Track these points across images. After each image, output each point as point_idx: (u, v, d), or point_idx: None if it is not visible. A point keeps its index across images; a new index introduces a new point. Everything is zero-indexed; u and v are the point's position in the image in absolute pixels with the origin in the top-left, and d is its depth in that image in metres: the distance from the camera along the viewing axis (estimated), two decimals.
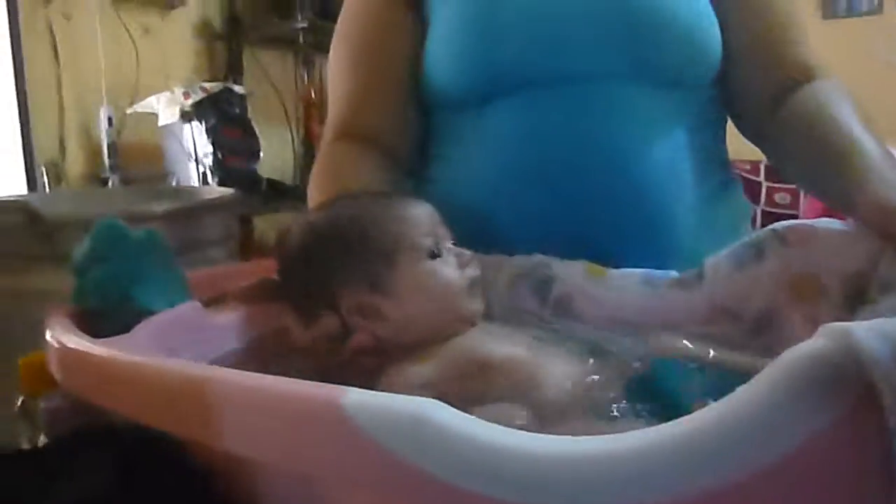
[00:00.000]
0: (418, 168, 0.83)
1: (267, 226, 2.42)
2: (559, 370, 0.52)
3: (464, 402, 0.49)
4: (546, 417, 0.47)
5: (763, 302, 0.62)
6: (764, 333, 0.62)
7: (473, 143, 0.75)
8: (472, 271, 0.58)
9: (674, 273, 0.67)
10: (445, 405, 0.34)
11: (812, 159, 0.70)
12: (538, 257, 0.70)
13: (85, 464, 0.48)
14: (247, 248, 2.27)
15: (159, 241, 0.62)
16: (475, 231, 0.64)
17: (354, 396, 0.35)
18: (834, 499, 0.28)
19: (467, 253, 0.59)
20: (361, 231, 0.56)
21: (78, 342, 0.48)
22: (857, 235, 0.59)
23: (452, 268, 0.57)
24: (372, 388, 0.52)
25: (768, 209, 2.68)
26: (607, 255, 0.69)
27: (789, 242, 0.62)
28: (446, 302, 0.55)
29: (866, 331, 0.27)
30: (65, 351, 0.49)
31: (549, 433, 0.32)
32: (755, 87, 0.78)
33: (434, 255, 0.56)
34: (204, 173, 1.94)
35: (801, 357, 0.27)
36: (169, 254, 0.63)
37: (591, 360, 0.55)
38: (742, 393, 0.28)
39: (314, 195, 0.75)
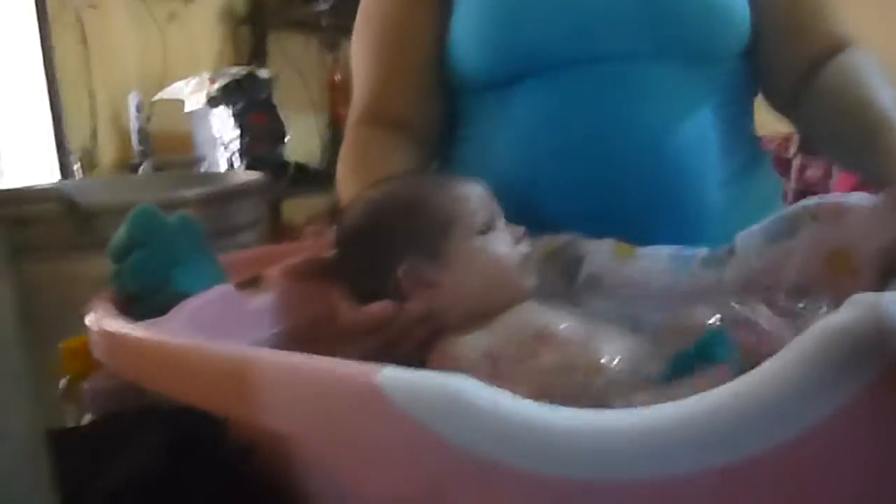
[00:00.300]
0: (444, 149, 0.84)
1: (295, 210, 2.44)
2: (612, 344, 0.53)
3: (518, 371, 0.50)
4: (598, 390, 0.47)
5: (796, 276, 0.62)
6: (797, 308, 0.62)
7: (500, 124, 0.75)
8: (525, 247, 0.60)
9: (703, 250, 0.66)
10: (478, 381, 0.34)
11: (843, 132, 0.69)
12: (566, 236, 0.70)
13: (131, 442, 0.50)
14: (275, 232, 2.29)
15: (194, 225, 0.63)
16: (504, 211, 0.64)
17: (389, 373, 0.35)
18: (864, 467, 0.29)
19: (521, 229, 0.60)
20: (419, 204, 0.59)
21: (120, 325, 0.50)
22: (888, 210, 0.59)
23: (505, 243, 0.58)
24: (420, 365, 0.54)
25: (799, 185, 2.64)
26: (637, 233, 0.69)
27: (821, 218, 0.61)
28: (499, 275, 0.57)
29: (894, 303, 0.27)
30: (107, 334, 0.51)
31: (602, 406, 0.33)
32: (786, 60, 0.77)
33: (488, 231, 0.58)
34: (231, 159, 1.96)
35: (829, 328, 0.28)
36: (203, 238, 0.64)
37: (639, 335, 0.56)
38: (771, 365, 0.29)
39: (344, 179, 0.76)
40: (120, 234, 0.60)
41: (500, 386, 0.48)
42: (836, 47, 0.75)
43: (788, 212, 0.64)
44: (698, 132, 0.71)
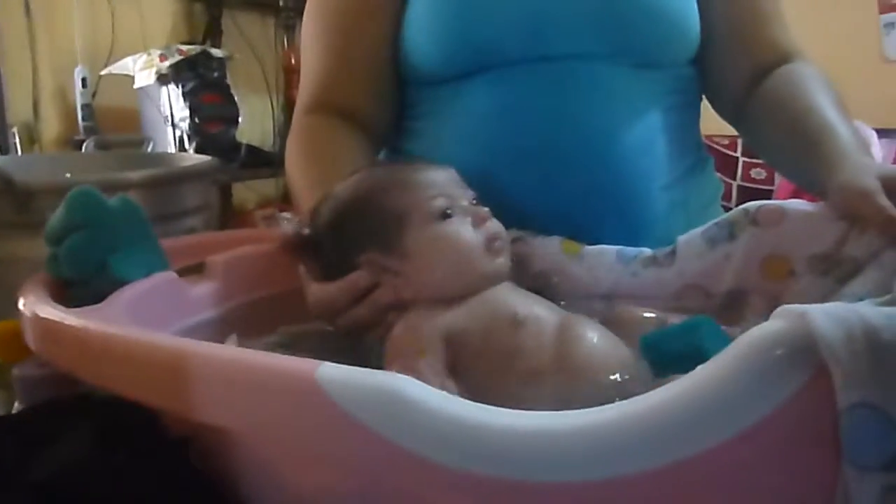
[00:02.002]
0: (394, 141, 0.83)
1: (246, 193, 2.40)
2: (587, 333, 0.53)
3: (489, 355, 0.50)
4: (573, 379, 0.48)
5: (733, 280, 0.64)
6: (733, 310, 0.63)
7: (450, 118, 0.75)
8: (493, 227, 0.58)
9: (647, 250, 0.68)
10: (415, 380, 0.34)
11: (786, 141, 0.71)
12: (514, 232, 0.70)
13: (62, 432, 0.48)
14: (226, 214, 2.25)
15: (135, 209, 0.62)
16: None
17: (327, 369, 0.35)
18: (789, 470, 0.30)
19: (484, 210, 0.59)
20: (375, 197, 0.58)
21: (52, 312, 0.48)
22: (824, 217, 0.61)
23: (466, 226, 0.57)
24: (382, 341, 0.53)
25: (744, 184, 2.71)
26: (583, 232, 0.69)
27: (760, 223, 0.63)
28: (462, 260, 0.56)
29: (821, 313, 0.28)
30: (39, 320, 0.49)
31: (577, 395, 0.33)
32: (732, 68, 0.78)
33: (447, 216, 0.57)
34: (181, 138, 1.92)
35: (758, 337, 0.29)
36: (145, 222, 0.63)
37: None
38: (703, 371, 0.29)
39: (294, 167, 0.75)
40: (57, 215, 0.58)
41: (453, 369, 0.49)
42: (781, 57, 0.77)
43: (728, 216, 0.65)
44: (646, 135, 0.72)
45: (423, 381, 0.34)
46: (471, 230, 0.57)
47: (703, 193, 0.81)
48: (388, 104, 0.80)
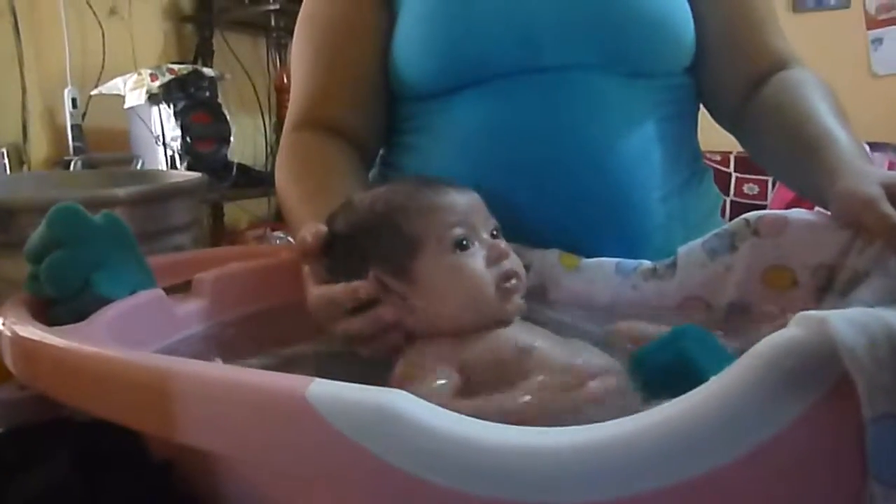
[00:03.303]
0: (386, 156, 0.82)
1: (237, 213, 2.39)
2: (594, 363, 0.50)
3: (496, 383, 0.47)
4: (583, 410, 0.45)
5: (735, 292, 0.62)
6: (736, 322, 0.62)
7: (442, 133, 0.74)
8: (509, 264, 0.55)
9: (647, 262, 0.66)
10: (409, 395, 0.33)
11: (785, 148, 0.70)
12: (511, 245, 0.69)
13: (41, 456, 0.46)
14: (217, 234, 2.23)
15: (120, 225, 0.60)
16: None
17: (318, 387, 0.34)
18: (811, 484, 0.28)
19: (502, 245, 0.55)
20: (390, 217, 0.55)
21: (31, 331, 0.46)
22: (827, 226, 0.59)
23: (480, 261, 0.54)
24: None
25: (737, 199, 2.71)
26: (580, 245, 0.68)
27: (761, 233, 0.62)
28: (470, 297, 0.53)
29: (841, 320, 0.26)
30: (18, 340, 0.47)
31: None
32: (729, 76, 0.77)
33: (465, 247, 0.54)
34: (172, 157, 1.90)
35: (776, 345, 0.27)
36: (131, 239, 0.61)
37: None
38: (718, 382, 0.28)
39: (285, 184, 0.74)
40: (38, 232, 0.57)
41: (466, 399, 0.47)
42: (779, 64, 0.76)
43: (729, 226, 0.64)
44: (642, 145, 0.71)
45: (434, 402, 0.32)
46: (483, 266, 0.53)
47: (702, 204, 0.79)
48: (379, 120, 0.79)
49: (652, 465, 0.28)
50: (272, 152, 2.46)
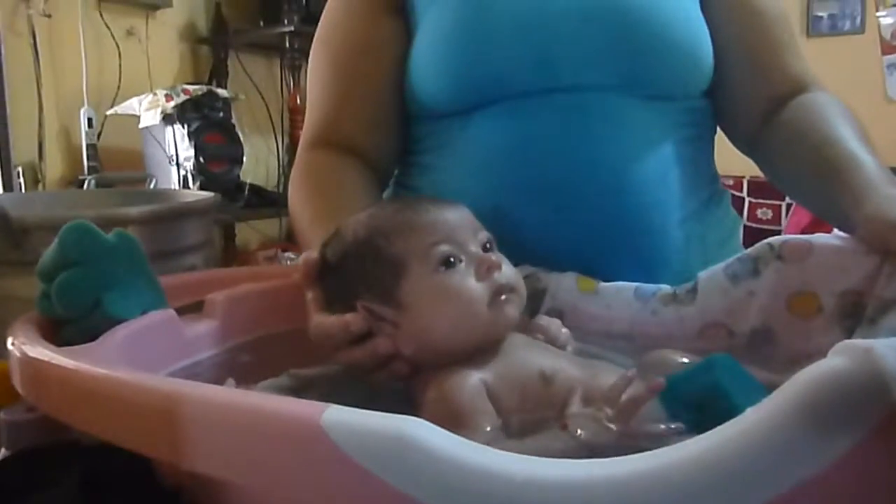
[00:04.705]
0: (400, 176, 0.81)
1: (249, 233, 2.39)
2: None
3: (523, 416, 0.47)
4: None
5: (759, 318, 0.61)
6: (759, 349, 0.60)
7: (459, 152, 0.73)
8: (502, 277, 0.52)
9: (666, 287, 0.65)
10: (428, 423, 0.32)
11: (808, 172, 0.69)
12: (527, 268, 0.68)
13: (49, 481, 0.45)
14: (228, 254, 2.23)
15: (132, 244, 0.59)
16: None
17: (334, 414, 0.32)
18: None
19: (492, 257, 0.52)
20: (372, 242, 0.53)
21: (41, 352, 0.45)
22: (853, 251, 0.58)
23: (469, 278, 0.51)
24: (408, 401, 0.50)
25: (750, 224, 2.70)
26: (597, 267, 0.67)
27: (786, 258, 0.60)
28: (461, 316, 0.50)
29: (888, 349, 0.25)
30: (27, 361, 0.46)
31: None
32: (748, 98, 0.77)
33: (448, 265, 0.51)
34: (185, 178, 1.91)
35: (818, 376, 0.25)
36: (143, 258, 0.60)
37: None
38: (756, 415, 0.26)
39: (298, 204, 0.73)
40: (50, 251, 0.56)
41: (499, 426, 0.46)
42: (798, 87, 0.75)
43: (752, 251, 0.62)
44: (659, 167, 0.70)
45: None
46: (474, 282, 0.51)
47: (721, 227, 0.78)
48: (394, 140, 0.78)
49: (685, 502, 0.26)
50: (285, 173, 2.46)
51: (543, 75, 0.69)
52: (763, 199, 2.68)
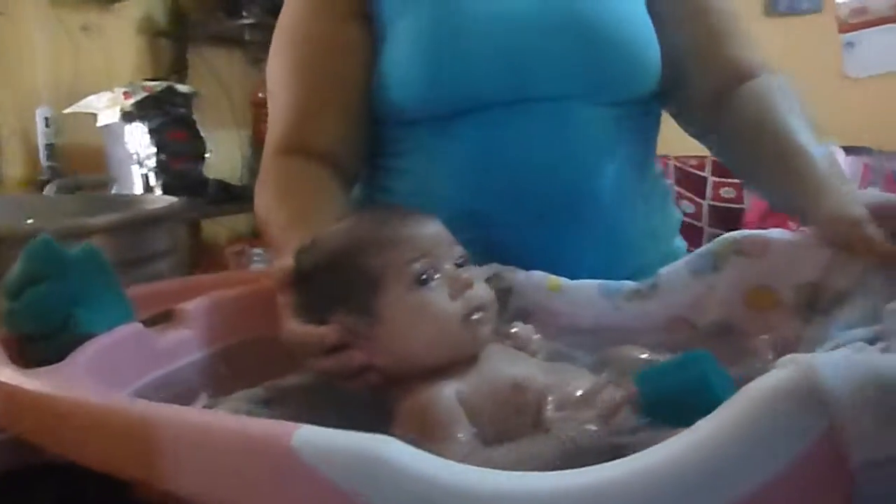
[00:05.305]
0: (370, 177, 0.82)
1: (216, 229, 2.37)
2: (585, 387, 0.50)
3: (497, 425, 0.48)
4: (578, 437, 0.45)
5: (719, 311, 0.63)
6: (720, 342, 0.62)
7: (435, 157, 0.74)
8: (474, 295, 0.53)
9: (629, 283, 0.67)
10: (399, 441, 0.32)
11: (755, 159, 0.72)
12: (493, 267, 0.69)
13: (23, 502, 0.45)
14: (195, 251, 2.21)
15: (98, 257, 0.59)
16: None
17: (305, 434, 0.33)
18: None
19: (466, 276, 0.53)
20: (349, 256, 0.54)
21: (10, 375, 0.45)
22: (809, 245, 0.60)
23: (444, 295, 0.52)
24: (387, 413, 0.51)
25: (715, 203, 2.74)
26: (563, 264, 0.69)
27: (744, 253, 0.62)
28: (435, 333, 0.52)
29: (829, 365, 0.26)
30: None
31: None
32: (696, 86, 0.79)
33: (428, 279, 0.52)
34: (147, 176, 1.88)
35: (763, 391, 0.27)
36: (109, 271, 0.60)
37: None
38: (703, 428, 0.28)
39: (265, 208, 0.73)
40: (15, 268, 0.56)
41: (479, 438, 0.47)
42: (745, 73, 0.77)
43: (711, 246, 0.64)
44: (622, 170, 0.74)
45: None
46: (448, 300, 0.52)
47: (669, 223, 0.83)
48: (361, 143, 0.79)
49: None
50: (249, 166, 2.44)
51: (514, 86, 0.72)
52: (726, 178, 2.72)
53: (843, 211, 0.57)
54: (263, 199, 0.74)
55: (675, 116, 0.83)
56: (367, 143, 0.79)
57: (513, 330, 0.59)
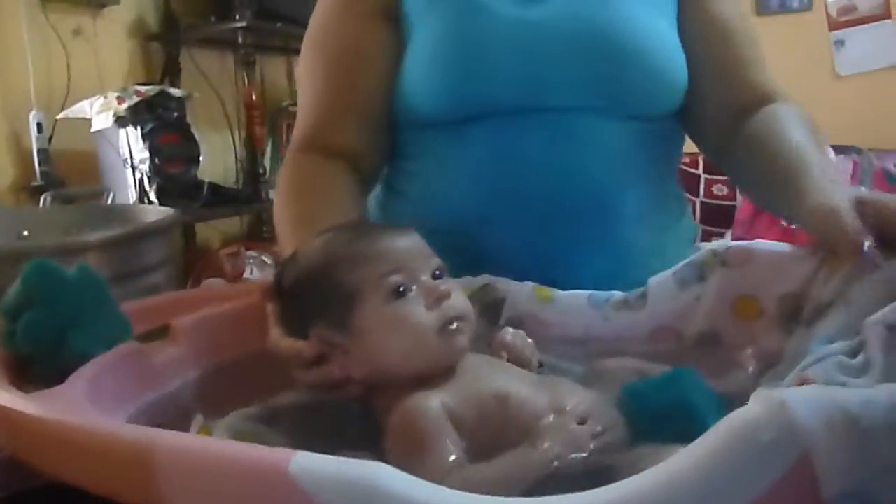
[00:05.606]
0: (389, 181, 0.83)
1: (209, 232, 2.37)
2: (572, 399, 0.51)
3: (482, 437, 0.49)
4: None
5: (705, 321, 0.64)
6: (708, 351, 0.64)
7: (446, 162, 0.76)
8: (450, 306, 0.53)
9: (618, 293, 0.68)
10: (395, 469, 0.34)
11: (764, 177, 0.73)
12: (485, 278, 0.70)
13: None
14: (189, 254, 2.22)
15: (94, 278, 0.60)
16: (445, 248, 0.61)
17: (302, 461, 0.34)
18: None
19: (442, 287, 0.54)
20: (325, 271, 0.55)
21: (9, 399, 0.46)
22: (791, 256, 0.61)
23: (419, 307, 0.53)
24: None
25: (707, 200, 2.75)
26: (567, 273, 0.71)
27: (729, 264, 0.64)
28: (411, 344, 0.52)
29: (800, 401, 0.27)
30: None
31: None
32: (716, 109, 0.80)
33: (403, 293, 0.53)
34: (141, 180, 1.89)
35: (736, 426, 0.28)
36: (105, 290, 0.61)
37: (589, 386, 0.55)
38: (678, 460, 0.29)
39: (278, 203, 0.75)
40: (14, 290, 0.57)
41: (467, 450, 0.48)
42: (763, 98, 0.79)
43: (697, 257, 0.66)
44: (632, 183, 0.75)
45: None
46: (424, 311, 0.52)
47: (681, 240, 0.82)
48: (381, 145, 0.80)
49: None
50: (243, 170, 2.44)
51: (531, 95, 0.73)
52: (718, 175, 2.74)
53: (824, 201, 0.58)
54: (278, 193, 0.76)
55: (695, 137, 0.84)
56: (387, 145, 0.80)
57: (507, 338, 0.60)
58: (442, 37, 0.75)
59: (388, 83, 0.78)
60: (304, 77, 0.83)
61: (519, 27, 0.74)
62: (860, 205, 0.57)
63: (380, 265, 0.53)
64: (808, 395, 0.28)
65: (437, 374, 0.52)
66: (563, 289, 0.68)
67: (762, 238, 0.68)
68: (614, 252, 0.73)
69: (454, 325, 0.53)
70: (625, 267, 0.73)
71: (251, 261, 2.09)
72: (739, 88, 0.79)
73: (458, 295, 0.55)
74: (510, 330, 0.61)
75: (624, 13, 0.75)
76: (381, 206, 0.84)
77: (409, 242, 0.56)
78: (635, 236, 0.75)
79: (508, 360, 0.58)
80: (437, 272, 0.55)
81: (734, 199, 2.79)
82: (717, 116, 0.80)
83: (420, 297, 0.53)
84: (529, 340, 0.61)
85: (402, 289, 0.53)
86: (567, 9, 0.74)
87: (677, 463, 0.28)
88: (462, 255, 0.68)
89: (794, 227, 0.66)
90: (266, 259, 2.18)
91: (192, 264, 2.10)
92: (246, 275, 2.02)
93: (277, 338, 0.57)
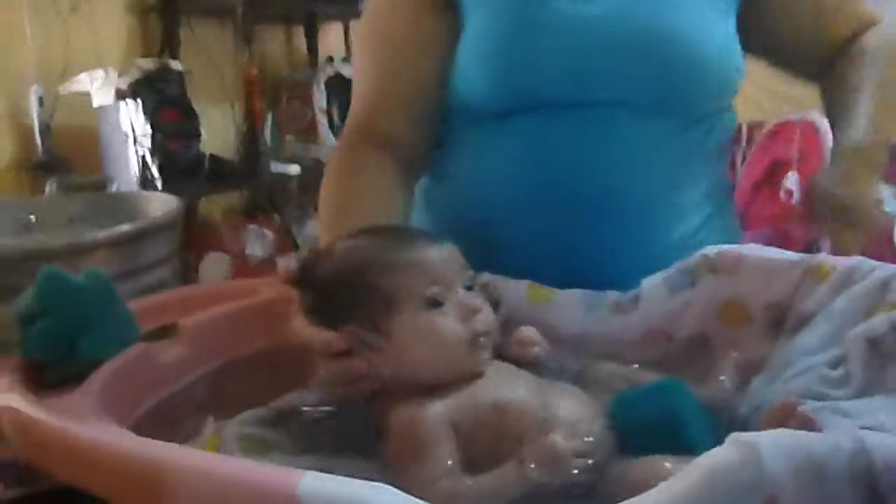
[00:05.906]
0: (434, 165, 0.84)
1: (211, 205, 2.38)
2: (568, 410, 0.54)
3: (478, 445, 0.52)
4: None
5: (694, 326, 0.66)
6: (697, 355, 0.65)
7: (486, 154, 0.77)
8: (480, 321, 0.56)
9: (612, 295, 0.69)
10: (398, 491, 0.36)
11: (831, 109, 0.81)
12: (486, 276, 0.71)
13: None
14: (191, 228, 2.23)
15: (101, 282, 0.61)
16: (475, 240, 0.64)
17: (310, 483, 0.36)
18: None
19: (475, 302, 0.57)
20: (366, 274, 0.57)
21: (23, 404, 0.48)
22: (778, 265, 0.63)
23: (453, 320, 0.56)
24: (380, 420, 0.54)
25: None
26: (590, 267, 0.72)
27: (718, 269, 0.65)
28: (443, 353, 0.55)
29: (770, 445, 0.30)
30: (13, 413, 0.49)
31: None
32: (813, 43, 0.83)
33: (439, 303, 0.56)
34: (143, 156, 1.89)
35: (712, 467, 0.30)
36: (113, 292, 0.63)
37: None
38: (657, 497, 0.31)
39: (324, 201, 0.76)
40: (27, 296, 0.58)
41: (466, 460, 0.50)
42: (860, 27, 0.81)
43: (688, 261, 0.67)
44: (669, 181, 0.75)
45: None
46: (457, 324, 0.55)
47: (720, 239, 0.80)
48: (431, 135, 0.81)
49: None
50: (243, 143, 2.44)
51: (579, 89, 0.74)
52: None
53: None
54: (325, 185, 0.77)
55: (785, 69, 0.87)
56: (437, 134, 0.81)
57: (522, 335, 0.63)
58: (495, 28, 0.76)
59: (440, 73, 0.78)
60: (359, 64, 0.84)
61: (574, 22, 0.74)
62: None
63: (419, 275, 0.56)
64: (779, 439, 0.30)
65: (451, 384, 0.55)
66: (597, 286, 0.69)
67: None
68: (641, 248, 0.74)
69: (482, 340, 0.56)
70: (660, 264, 0.72)
71: (252, 234, 2.10)
72: (837, 18, 0.82)
73: (487, 310, 0.58)
74: (524, 328, 0.64)
75: (680, 15, 0.75)
76: (424, 194, 0.85)
77: (446, 254, 0.58)
78: (667, 234, 0.75)
79: (525, 359, 0.61)
80: (469, 284, 0.58)
81: (733, 178, 2.78)
82: (812, 49, 0.83)
83: (454, 310, 0.56)
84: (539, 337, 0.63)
85: (438, 300, 0.56)
86: (623, 7, 0.75)
87: (653, 499, 0.30)
88: (497, 246, 0.71)
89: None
90: (267, 232, 2.20)
91: (194, 238, 2.12)
92: (248, 251, 2.04)
93: (302, 326, 0.59)
